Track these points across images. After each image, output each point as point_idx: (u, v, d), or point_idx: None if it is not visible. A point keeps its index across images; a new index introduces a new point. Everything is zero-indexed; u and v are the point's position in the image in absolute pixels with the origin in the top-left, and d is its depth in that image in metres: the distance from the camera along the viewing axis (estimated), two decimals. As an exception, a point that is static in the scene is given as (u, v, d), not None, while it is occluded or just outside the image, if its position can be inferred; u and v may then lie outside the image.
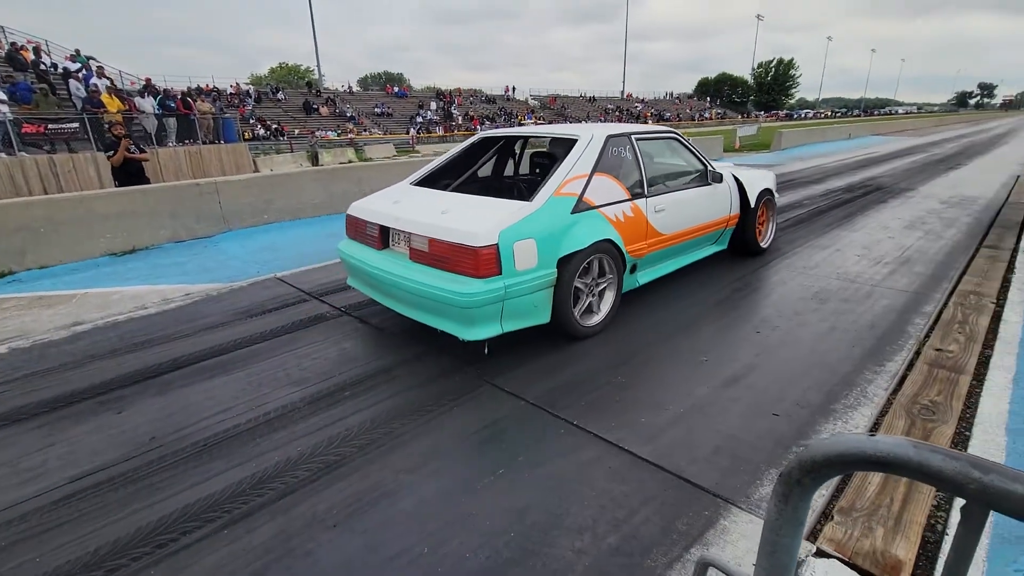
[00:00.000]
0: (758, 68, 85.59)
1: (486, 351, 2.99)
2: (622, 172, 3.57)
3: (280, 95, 34.19)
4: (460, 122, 40.67)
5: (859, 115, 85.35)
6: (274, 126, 28.01)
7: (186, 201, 5.97)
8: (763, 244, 4.99)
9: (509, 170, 4.70)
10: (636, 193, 3.56)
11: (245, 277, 4.70)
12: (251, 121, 27.57)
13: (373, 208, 3.40)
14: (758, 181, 4.76)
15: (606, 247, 3.24)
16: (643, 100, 67.43)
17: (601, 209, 3.27)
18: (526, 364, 2.96)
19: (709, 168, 4.20)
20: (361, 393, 2.70)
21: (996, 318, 3.45)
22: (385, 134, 33.05)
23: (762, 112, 75.45)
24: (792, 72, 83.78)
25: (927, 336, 3.22)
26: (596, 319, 3.32)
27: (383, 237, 3.27)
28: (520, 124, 39.32)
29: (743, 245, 4.78)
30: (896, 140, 23.26)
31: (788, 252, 5.09)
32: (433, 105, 42.35)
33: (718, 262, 4.67)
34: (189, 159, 13.45)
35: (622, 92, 65.07)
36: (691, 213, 4.01)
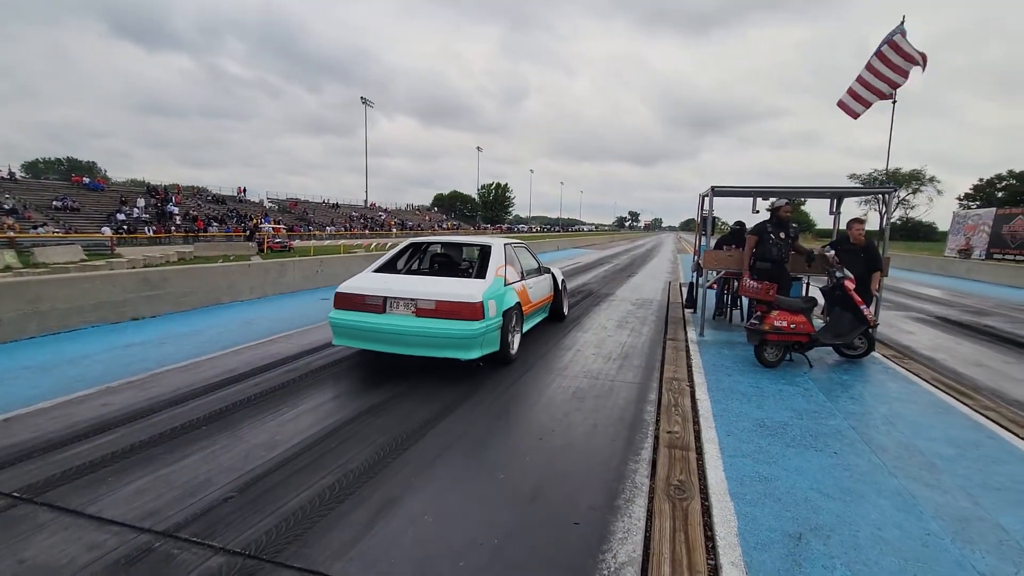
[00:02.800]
0: (482, 189, 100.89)
1: (479, 364, 5.14)
2: (514, 264, 5.94)
3: None
4: (180, 223, 35.59)
5: (559, 231, 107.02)
6: None
7: None
8: (566, 312, 7.96)
9: (415, 264, 6.53)
10: (521, 276, 6.02)
11: None
12: None
13: (370, 287, 4.97)
14: (557, 274, 7.75)
15: (517, 307, 5.50)
16: (386, 209, 71.04)
17: (512, 285, 5.55)
18: (314, 535, 2.50)
19: (541, 264, 7.14)
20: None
21: (693, 397, 4.50)
22: (68, 232, 26.43)
23: (489, 225, 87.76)
24: (508, 194, 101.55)
25: (658, 421, 3.98)
26: (513, 350, 5.40)
27: (384, 305, 4.79)
28: (257, 227, 36.46)
29: (556, 313, 7.63)
30: (589, 252, 29.73)
31: (544, 354, 5.78)
32: (141, 202, 36.20)
33: (485, 374, 4.98)
34: None
35: (365, 201, 67.45)
36: (540, 291, 6.67)
